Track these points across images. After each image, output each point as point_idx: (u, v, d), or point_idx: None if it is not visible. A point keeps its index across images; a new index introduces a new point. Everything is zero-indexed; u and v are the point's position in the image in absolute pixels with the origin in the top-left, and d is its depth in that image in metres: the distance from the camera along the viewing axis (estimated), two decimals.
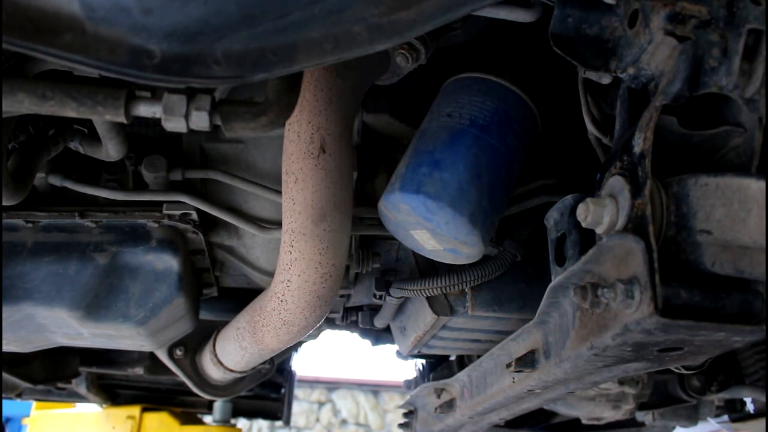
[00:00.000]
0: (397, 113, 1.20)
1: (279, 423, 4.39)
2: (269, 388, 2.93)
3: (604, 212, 0.79)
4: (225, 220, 1.27)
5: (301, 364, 6.92)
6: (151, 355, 1.94)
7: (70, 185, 1.20)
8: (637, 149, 0.77)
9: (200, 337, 1.49)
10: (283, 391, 2.98)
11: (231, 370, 1.45)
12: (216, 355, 1.44)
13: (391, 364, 8.07)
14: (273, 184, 1.22)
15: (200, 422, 2.98)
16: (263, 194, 1.22)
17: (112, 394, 2.67)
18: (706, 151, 0.84)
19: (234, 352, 1.36)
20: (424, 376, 2.24)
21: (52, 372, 2.00)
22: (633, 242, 0.73)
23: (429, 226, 1.02)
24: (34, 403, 2.89)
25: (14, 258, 1.20)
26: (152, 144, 1.22)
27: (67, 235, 1.23)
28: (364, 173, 1.23)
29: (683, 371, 1.55)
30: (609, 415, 1.66)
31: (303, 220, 1.01)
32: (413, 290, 1.28)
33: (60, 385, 2.19)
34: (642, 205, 0.74)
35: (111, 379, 2.50)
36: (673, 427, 2.05)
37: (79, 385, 2.29)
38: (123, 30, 0.73)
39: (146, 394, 2.73)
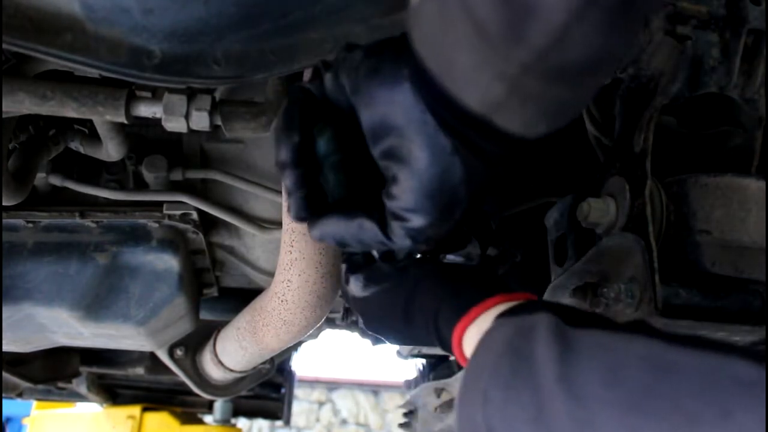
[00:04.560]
0: None
1: (279, 423, 4.39)
2: (269, 388, 2.94)
3: (603, 212, 0.79)
4: (225, 220, 1.27)
5: (301, 364, 6.92)
6: (152, 355, 1.94)
7: (70, 185, 1.20)
8: (637, 149, 0.77)
9: (200, 337, 1.49)
10: (283, 390, 2.98)
11: (231, 370, 1.45)
12: (216, 355, 1.44)
13: (391, 364, 8.07)
14: (273, 184, 1.22)
15: (200, 422, 2.98)
16: (263, 194, 1.22)
17: (113, 393, 2.67)
18: (706, 151, 0.84)
19: (234, 351, 1.36)
20: (424, 376, 2.24)
21: (53, 372, 2.00)
22: (633, 242, 0.73)
23: None
24: (35, 403, 2.89)
25: (14, 258, 1.20)
26: (152, 144, 1.22)
27: (68, 235, 1.23)
28: None
29: None
30: None
31: None
32: None
33: (60, 384, 2.19)
34: (642, 205, 0.74)
35: (111, 378, 2.50)
36: None
37: (80, 385, 2.29)
38: (123, 30, 0.73)
39: (146, 393, 2.72)
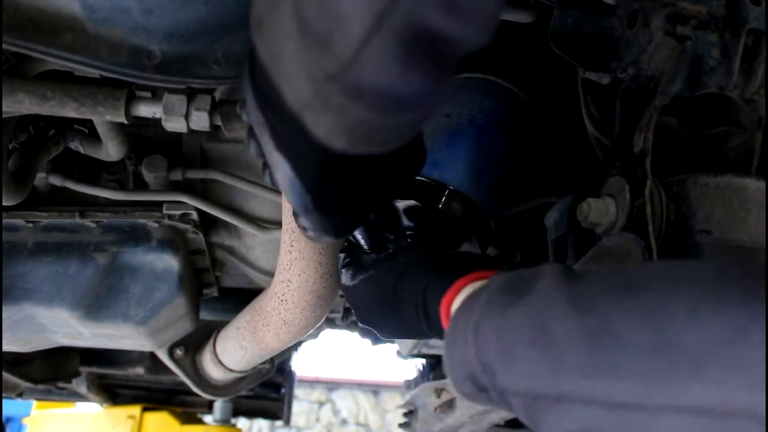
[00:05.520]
0: None
1: (279, 423, 4.39)
2: (269, 387, 2.93)
3: (603, 212, 0.79)
4: (225, 220, 1.27)
5: (301, 364, 6.92)
6: (152, 355, 1.94)
7: (70, 185, 1.20)
8: (637, 149, 0.77)
9: (200, 337, 1.49)
10: (283, 390, 2.98)
11: (231, 370, 1.45)
12: (216, 355, 1.44)
13: (391, 364, 8.07)
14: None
15: (200, 422, 2.98)
16: (263, 194, 1.22)
17: (113, 393, 2.67)
18: (706, 151, 0.84)
19: (234, 351, 1.36)
20: (424, 376, 2.24)
21: (53, 372, 2.00)
22: (633, 242, 0.73)
23: None
24: (35, 403, 2.89)
25: (14, 258, 1.20)
26: (152, 144, 1.22)
27: (68, 235, 1.23)
28: None
29: None
30: None
31: None
32: None
33: (60, 384, 2.19)
34: (642, 205, 0.74)
35: (111, 378, 2.50)
36: None
37: (80, 385, 2.29)
38: (124, 30, 0.73)
39: (146, 393, 2.72)
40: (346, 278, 0.81)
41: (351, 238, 0.83)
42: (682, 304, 0.43)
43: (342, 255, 0.84)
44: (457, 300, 0.64)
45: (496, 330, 0.53)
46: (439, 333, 0.67)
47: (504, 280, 0.58)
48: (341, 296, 1.64)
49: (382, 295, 0.76)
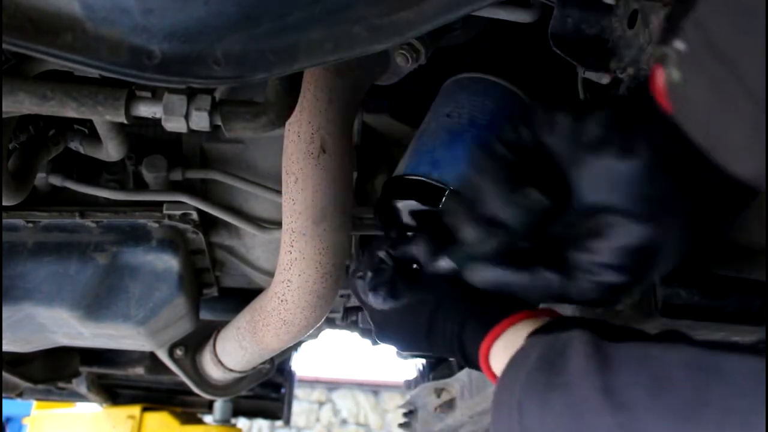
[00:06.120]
0: (396, 113, 1.20)
1: (279, 423, 4.39)
2: (269, 387, 2.93)
3: None
4: (225, 220, 1.27)
5: (301, 364, 6.92)
6: (152, 355, 1.94)
7: (70, 185, 1.20)
8: None
9: (200, 337, 1.49)
10: (283, 390, 2.98)
11: (231, 370, 1.45)
12: (216, 355, 1.44)
13: (391, 364, 8.07)
14: (273, 184, 1.22)
15: (200, 422, 2.98)
16: (263, 194, 1.22)
17: (113, 393, 2.67)
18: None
19: (234, 351, 1.36)
20: (424, 376, 2.24)
21: (53, 372, 2.00)
22: None
23: None
24: (35, 403, 2.89)
25: (14, 258, 1.20)
26: (152, 144, 1.22)
27: (68, 235, 1.23)
28: (364, 173, 1.23)
29: None
30: None
31: (303, 220, 1.01)
32: None
33: (60, 384, 2.19)
34: None
35: (111, 378, 2.50)
36: None
37: (80, 385, 2.29)
38: (124, 30, 0.73)
39: (146, 393, 2.72)
40: (376, 301, 0.80)
41: (387, 252, 0.81)
42: (709, 413, 0.44)
43: (371, 273, 0.81)
44: (494, 348, 0.67)
45: (539, 415, 0.54)
46: (477, 369, 0.70)
47: (539, 353, 0.59)
48: (341, 296, 1.64)
49: (415, 326, 0.76)
